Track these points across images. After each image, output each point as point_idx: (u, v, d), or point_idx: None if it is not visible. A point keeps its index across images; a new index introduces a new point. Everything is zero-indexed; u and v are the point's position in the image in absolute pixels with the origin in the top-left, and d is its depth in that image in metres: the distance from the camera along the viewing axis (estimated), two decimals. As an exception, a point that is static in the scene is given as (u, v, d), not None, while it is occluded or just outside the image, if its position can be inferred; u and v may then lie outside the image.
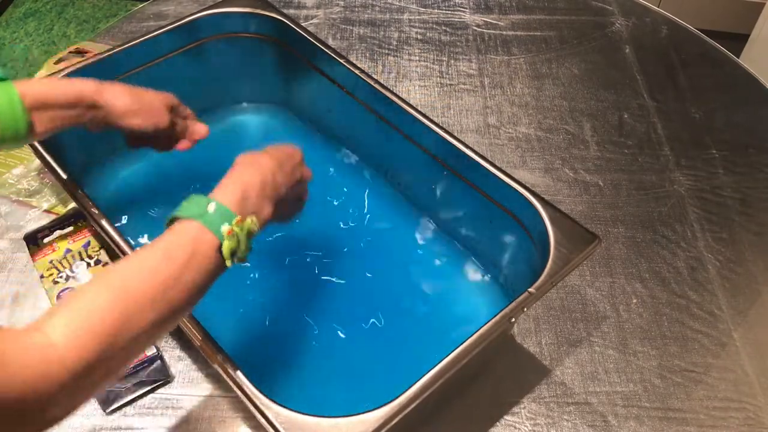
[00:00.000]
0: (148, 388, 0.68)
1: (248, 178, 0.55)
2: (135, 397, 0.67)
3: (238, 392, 0.53)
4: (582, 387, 0.71)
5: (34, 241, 0.74)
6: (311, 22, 1.12)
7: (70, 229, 0.75)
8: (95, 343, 0.42)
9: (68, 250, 0.73)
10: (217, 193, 0.54)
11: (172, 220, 0.52)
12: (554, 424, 0.68)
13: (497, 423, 0.68)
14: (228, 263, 0.51)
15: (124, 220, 0.81)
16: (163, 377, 0.68)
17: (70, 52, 0.97)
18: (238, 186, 0.54)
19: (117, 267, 0.48)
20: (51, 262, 0.72)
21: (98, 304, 0.44)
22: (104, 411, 0.66)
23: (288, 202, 0.62)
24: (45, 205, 0.82)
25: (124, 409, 0.67)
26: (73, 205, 0.82)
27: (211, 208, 0.51)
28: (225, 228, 0.51)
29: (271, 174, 0.57)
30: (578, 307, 0.77)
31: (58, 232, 0.75)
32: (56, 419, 0.43)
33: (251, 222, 0.53)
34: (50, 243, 0.74)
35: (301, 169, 0.63)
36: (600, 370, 0.72)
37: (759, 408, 0.70)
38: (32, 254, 0.73)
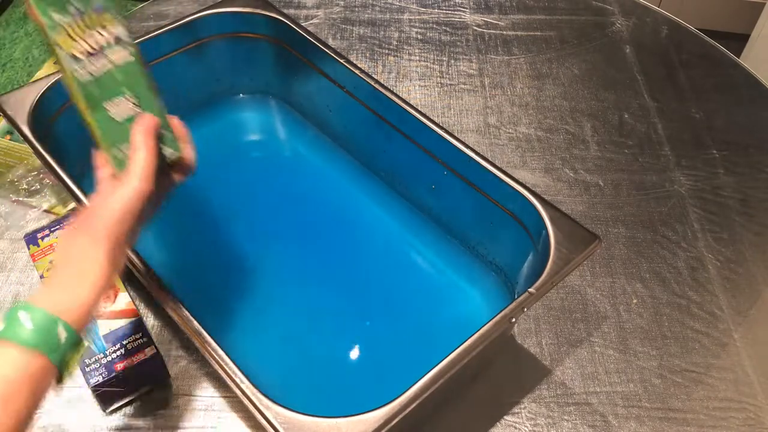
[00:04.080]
0: (148, 388, 0.68)
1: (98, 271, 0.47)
2: (135, 397, 0.67)
3: (238, 392, 0.53)
4: (582, 387, 0.71)
5: (34, 241, 0.74)
6: (311, 22, 1.12)
7: (70, 229, 0.75)
8: None
9: (68, 250, 0.73)
10: (61, 297, 0.46)
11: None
12: (554, 424, 0.68)
13: (497, 423, 0.68)
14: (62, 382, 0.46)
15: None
16: (163, 377, 0.68)
17: (70, 52, 0.96)
18: (89, 285, 0.46)
19: None
20: (51, 262, 0.72)
21: None
22: (104, 411, 0.66)
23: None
24: (45, 205, 0.82)
25: (124, 409, 0.67)
26: (73, 205, 0.82)
27: (62, 335, 0.44)
28: (70, 356, 0.45)
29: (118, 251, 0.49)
30: (578, 307, 0.77)
31: (58, 232, 0.75)
32: None
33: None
34: (50, 243, 0.74)
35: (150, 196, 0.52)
36: (600, 370, 0.72)
37: (759, 408, 0.70)
38: (32, 254, 0.73)
